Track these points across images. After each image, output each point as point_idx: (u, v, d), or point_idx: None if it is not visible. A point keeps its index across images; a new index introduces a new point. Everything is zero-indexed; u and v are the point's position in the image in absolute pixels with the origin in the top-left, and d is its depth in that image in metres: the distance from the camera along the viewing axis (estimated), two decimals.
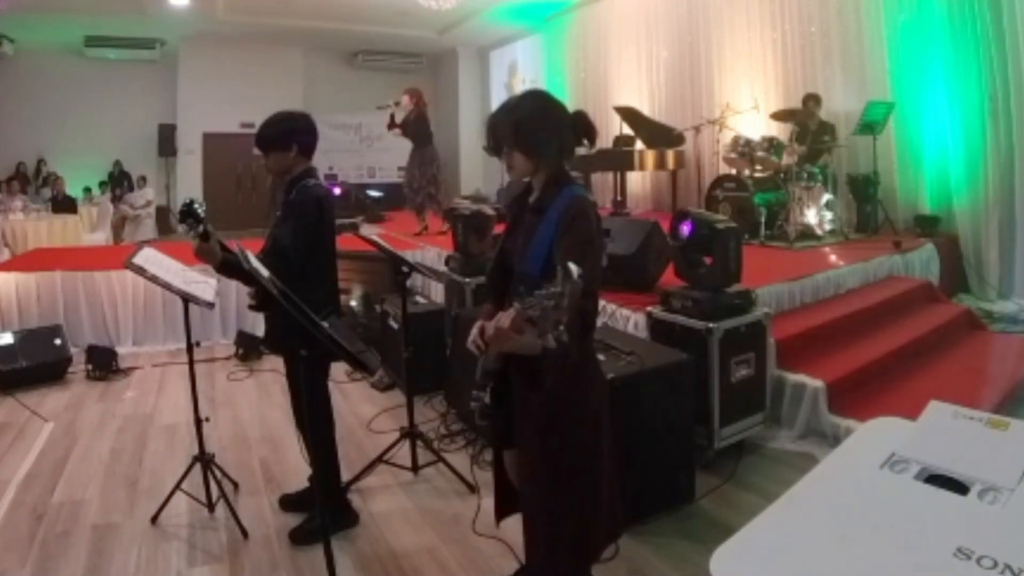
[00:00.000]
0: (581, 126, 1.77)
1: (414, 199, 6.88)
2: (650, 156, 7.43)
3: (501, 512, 2.03)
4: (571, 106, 1.81)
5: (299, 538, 2.50)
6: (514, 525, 2.31)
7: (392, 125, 6.78)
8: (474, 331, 1.79)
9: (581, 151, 1.86)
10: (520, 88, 10.18)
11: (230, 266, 2.16)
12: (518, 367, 1.66)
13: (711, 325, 2.95)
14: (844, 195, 6.16)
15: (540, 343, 1.29)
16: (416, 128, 6.71)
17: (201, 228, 2.11)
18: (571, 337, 1.41)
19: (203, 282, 2.76)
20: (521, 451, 1.81)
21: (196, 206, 2.12)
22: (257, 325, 4.86)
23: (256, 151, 2.57)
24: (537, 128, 1.70)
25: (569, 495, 1.71)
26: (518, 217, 1.82)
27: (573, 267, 1.24)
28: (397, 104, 6.71)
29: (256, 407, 4.03)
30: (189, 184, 11.02)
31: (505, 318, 1.34)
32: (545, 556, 1.75)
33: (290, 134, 2.47)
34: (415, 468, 3.07)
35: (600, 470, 1.76)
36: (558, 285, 1.23)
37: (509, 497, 1.98)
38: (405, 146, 6.98)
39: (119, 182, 10.94)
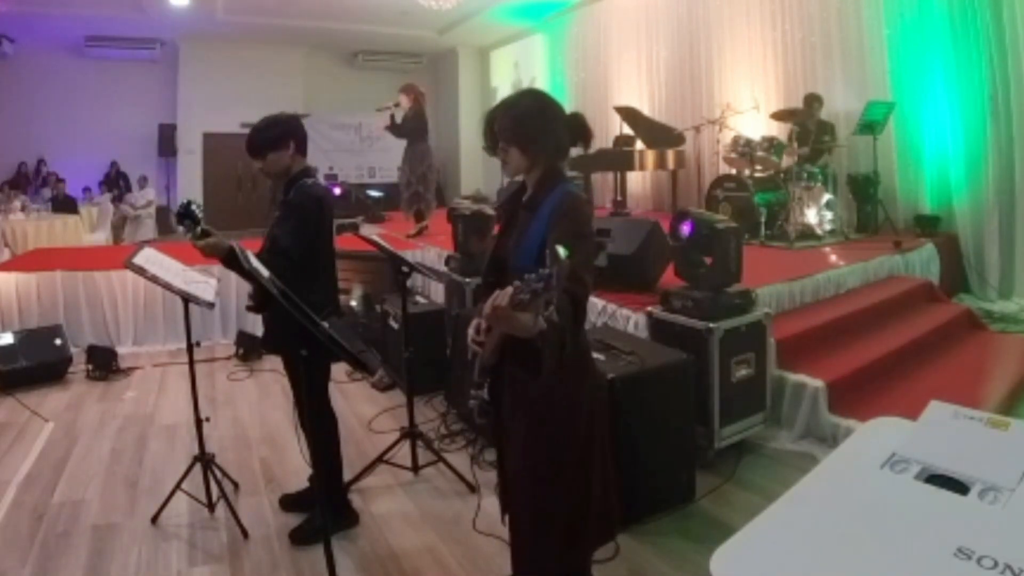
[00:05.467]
0: (576, 127, 1.78)
1: (404, 197, 6.77)
2: (650, 156, 7.43)
3: (506, 508, 2.03)
4: (571, 106, 1.81)
5: (299, 538, 2.50)
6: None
7: (392, 126, 6.64)
8: (471, 329, 1.79)
9: (575, 152, 1.87)
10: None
11: (236, 259, 2.15)
12: (515, 356, 1.65)
13: (711, 325, 2.95)
14: (844, 195, 6.16)
15: (535, 324, 1.37)
16: (412, 124, 6.57)
17: (199, 229, 2.12)
18: (563, 317, 1.46)
19: (203, 282, 2.76)
20: (510, 446, 1.79)
21: (193, 207, 2.14)
22: (257, 325, 4.84)
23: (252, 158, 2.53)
24: (535, 125, 1.71)
25: (556, 492, 1.68)
26: (512, 216, 1.82)
27: (560, 249, 1.31)
28: (397, 105, 6.62)
29: (256, 407, 4.03)
30: (189, 184, 11.02)
31: (503, 296, 1.36)
32: (531, 553, 1.73)
33: (285, 134, 2.48)
34: (415, 468, 3.07)
35: (592, 469, 1.74)
36: (548, 268, 1.29)
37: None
38: (404, 146, 6.92)
39: (115, 183, 10.94)
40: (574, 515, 1.72)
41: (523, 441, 1.72)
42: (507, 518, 1.85)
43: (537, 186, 1.74)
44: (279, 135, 2.47)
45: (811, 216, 5.78)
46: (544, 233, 1.64)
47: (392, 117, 6.61)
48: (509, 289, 1.35)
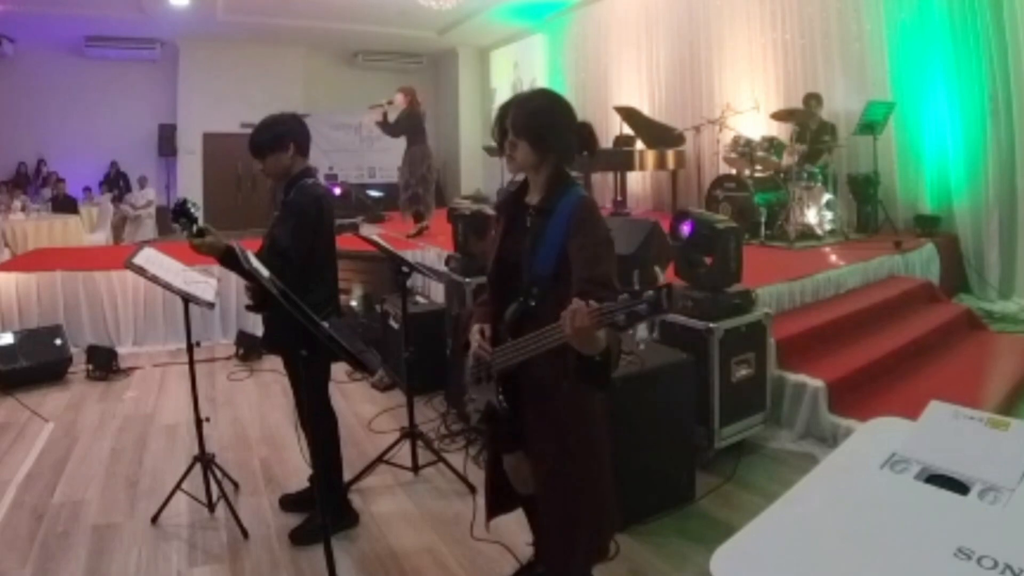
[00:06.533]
0: (584, 135, 1.77)
1: (403, 198, 6.77)
2: (650, 156, 7.43)
3: (492, 512, 2.04)
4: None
5: (299, 538, 2.50)
6: (511, 525, 2.32)
7: (384, 124, 6.63)
8: (476, 334, 1.79)
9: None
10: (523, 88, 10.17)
11: (234, 258, 2.15)
12: (552, 362, 1.59)
13: (711, 325, 2.95)
14: (844, 195, 6.16)
15: (604, 341, 1.36)
16: (408, 125, 6.56)
17: (195, 227, 2.12)
18: (615, 328, 1.43)
19: (203, 282, 2.76)
20: (537, 455, 1.79)
21: (189, 205, 2.14)
22: (257, 325, 4.84)
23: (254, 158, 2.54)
24: (549, 122, 1.71)
25: (586, 495, 1.73)
26: (516, 217, 1.82)
27: (657, 269, 1.30)
28: (390, 103, 6.58)
29: (256, 407, 4.03)
30: (189, 184, 11.01)
31: (581, 316, 1.32)
32: (561, 557, 1.76)
33: (286, 135, 2.48)
34: (415, 468, 3.07)
35: (607, 467, 1.78)
36: (648, 290, 1.24)
37: (501, 497, 1.99)
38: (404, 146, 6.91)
39: (115, 183, 10.94)
40: (599, 516, 1.77)
41: (551, 450, 1.73)
42: (509, 520, 1.87)
43: (547, 188, 1.73)
44: (280, 136, 2.47)
45: (811, 216, 5.77)
46: (563, 239, 1.63)
47: (385, 115, 6.60)
48: (584, 307, 1.31)
